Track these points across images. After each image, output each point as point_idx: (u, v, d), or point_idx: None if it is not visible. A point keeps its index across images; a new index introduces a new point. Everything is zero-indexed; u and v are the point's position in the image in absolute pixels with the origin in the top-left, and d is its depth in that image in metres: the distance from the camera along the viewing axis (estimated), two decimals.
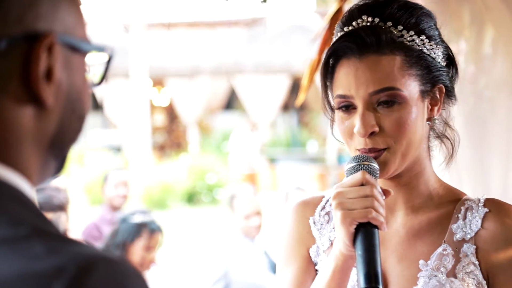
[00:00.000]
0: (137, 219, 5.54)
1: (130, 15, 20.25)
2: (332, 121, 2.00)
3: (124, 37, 21.88)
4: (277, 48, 21.87)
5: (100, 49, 1.24)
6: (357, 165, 1.85)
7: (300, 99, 3.46)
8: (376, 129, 1.88)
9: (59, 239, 1.09)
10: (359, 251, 1.78)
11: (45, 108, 1.17)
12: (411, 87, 1.90)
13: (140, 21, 20.31)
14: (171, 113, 25.61)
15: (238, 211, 6.66)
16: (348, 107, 1.91)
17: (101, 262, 1.06)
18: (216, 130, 24.12)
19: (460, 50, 3.44)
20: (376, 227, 1.79)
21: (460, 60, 3.47)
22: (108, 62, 1.25)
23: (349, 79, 1.89)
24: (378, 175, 1.87)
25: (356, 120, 1.89)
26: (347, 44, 1.89)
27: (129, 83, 20.98)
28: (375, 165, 1.87)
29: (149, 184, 18.48)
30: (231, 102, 25.28)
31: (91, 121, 25.69)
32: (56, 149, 1.21)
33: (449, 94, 1.99)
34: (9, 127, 1.15)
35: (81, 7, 1.23)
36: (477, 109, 3.40)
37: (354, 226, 1.79)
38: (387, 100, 1.88)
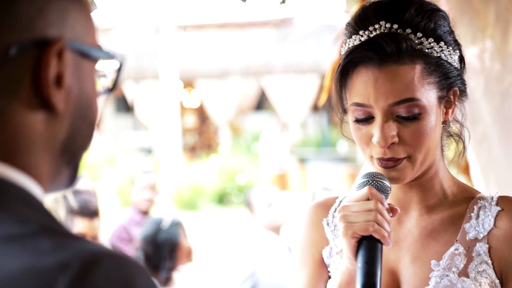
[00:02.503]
0: (167, 223, 5.60)
1: (160, 16, 20.32)
2: (342, 121, 1.98)
3: (154, 39, 21.97)
4: (307, 48, 21.83)
5: (111, 56, 1.26)
6: (367, 181, 1.86)
7: (322, 99, 3.46)
8: (396, 139, 1.86)
9: (65, 236, 1.11)
10: (359, 264, 1.78)
11: (56, 114, 1.19)
12: (430, 95, 1.88)
13: (170, 23, 20.37)
14: (201, 114, 25.66)
15: (258, 204, 6.64)
16: (366, 120, 1.89)
17: (106, 258, 1.07)
18: (247, 131, 24.11)
19: (485, 48, 3.42)
20: (380, 241, 1.80)
21: (485, 58, 3.44)
22: (119, 69, 1.27)
23: (368, 89, 1.86)
24: (389, 192, 1.88)
25: (375, 130, 1.87)
26: (367, 53, 1.85)
27: (160, 84, 21.05)
28: (386, 183, 1.87)
29: (179, 185, 18.51)
30: (261, 103, 25.27)
31: (122, 123, 25.79)
32: (68, 156, 1.23)
33: (462, 94, 1.98)
34: (20, 132, 1.17)
35: (91, 14, 1.26)
36: (503, 108, 3.37)
37: (356, 239, 1.80)
38: (407, 116, 1.86)
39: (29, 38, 1.17)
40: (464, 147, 2.02)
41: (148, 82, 22.44)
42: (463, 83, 1.97)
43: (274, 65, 22.22)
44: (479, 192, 2.01)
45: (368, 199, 1.82)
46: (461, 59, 1.99)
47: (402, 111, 1.86)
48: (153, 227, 5.67)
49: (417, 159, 1.88)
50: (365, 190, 1.83)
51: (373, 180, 1.86)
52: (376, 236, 1.79)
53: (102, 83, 1.28)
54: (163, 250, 5.50)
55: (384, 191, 1.86)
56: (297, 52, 21.98)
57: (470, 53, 3.39)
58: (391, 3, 1.93)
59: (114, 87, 1.29)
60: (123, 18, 19.22)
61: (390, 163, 1.88)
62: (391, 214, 1.84)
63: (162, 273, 5.35)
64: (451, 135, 2.01)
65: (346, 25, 1.96)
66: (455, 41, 1.96)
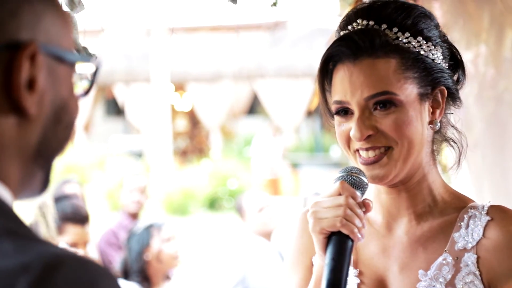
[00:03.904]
0: (142, 226, 5.60)
1: (152, 19, 20.29)
2: (330, 124, 1.99)
3: (145, 41, 21.94)
4: (300, 52, 21.81)
5: (87, 59, 1.26)
6: (342, 175, 1.86)
7: (314, 103, 3.45)
8: (371, 132, 1.86)
9: (29, 239, 1.11)
10: (326, 260, 1.79)
11: (28, 118, 1.17)
12: (408, 91, 1.87)
13: (161, 25, 20.34)
14: (193, 118, 25.65)
15: (249, 210, 6.64)
16: (346, 112, 1.90)
17: (69, 260, 1.08)
18: (239, 135, 24.13)
19: (479, 53, 3.39)
20: (350, 237, 1.79)
21: (479, 63, 3.41)
22: (95, 72, 1.27)
23: (344, 85, 1.88)
24: (365, 187, 1.87)
25: (352, 124, 1.88)
26: (340, 48, 1.88)
27: (151, 87, 21.03)
28: (363, 178, 1.86)
29: (170, 189, 18.51)
30: (253, 107, 25.27)
31: (112, 126, 25.75)
32: (42, 159, 1.22)
33: (453, 96, 1.96)
34: None
35: (68, 18, 1.26)
36: (497, 113, 3.36)
37: (324, 235, 1.80)
38: (383, 101, 1.86)
39: (0, 42, 1.16)
40: (461, 152, 2.00)
41: (139, 85, 22.40)
42: (454, 83, 1.96)
43: (267, 69, 22.20)
44: (473, 201, 1.98)
45: (340, 194, 1.82)
46: (456, 60, 1.98)
47: (378, 104, 1.86)
48: (129, 234, 5.72)
49: (399, 153, 1.87)
50: (336, 185, 1.84)
51: (348, 175, 1.85)
52: (344, 231, 1.78)
53: (83, 86, 1.27)
54: (132, 252, 5.53)
55: (360, 186, 1.85)
56: (290, 55, 21.96)
57: (464, 58, 3.36)
58: (372, 4, 1.95)
59: (89, 90, 1.28)
60: (114, 20, 19.18)
61: (370, 159, 1.88)
62: (364, 209, 1.83)
63: (133, 276, 5.35)
64: (446, 140, 1.99)
65: (335, 31, 1.99)
66: (442, 38, 1.95)
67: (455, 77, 1.98)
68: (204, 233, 15.32)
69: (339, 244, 1.79)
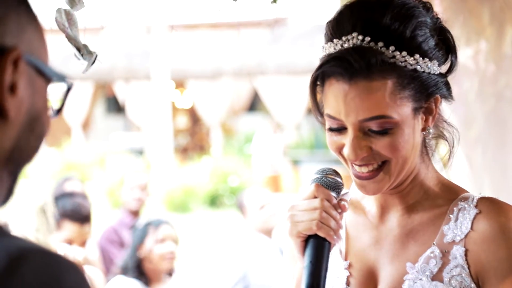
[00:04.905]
0: (143, 222, 5.62)
1: (152, 16, 20.28)
2: (324, 124, 1.95)
3: (145, 39, 21.93)
4: (300, 49, 21.79)
5: (62, 78, 1.28)
6: (317, 177, 1.88)
7: None
8: (366, 154, 1.85)
9: None
10: (304, 263, 1.82)
11: (7, 121, 1.20)
12: (404, 110, 1.84)
13: (161, 23, 20.33)
14: (193, 115, 25.63)
15: (250, 207, 6.63)
16: (339, 130, 1.88)
17: (35, 253, 1.09)
18: (239, 132, 24.10)
19: (479, 49, 3.39)
20: (327, 240, 1.83)
21: (479, 60, 3.40)
22: (67, 92, 1.29)
23: (338, 103, 1.84)
24: (341, 188, 1.89)
25: (346, 141, 1.86)
26: (336, 69, 1.82)
27: (151, 85, 21.01)
28: (339, 179, 1.89)
29: (171, 187, 18.50)
30: (254, 104, 25.24)
31: (113, 123, 25.74)
32: (13, 165, 1.24)
33: (446, 98, 1.94)
34: None
35: (46, 37, 1.30)
36: (497, 110, 3.36)
37: (302, 239, 1.84)
38: (379, 130, 1.83)
39: None
40: (453, 146, 1.99)
41: (139, 83, 22.40)
42: (448, 87, 1.93)
43: (267, 66, 22.18)
44: (465, 191, 1.97)
45: (315, 197, 1.85)
46: (449, 48, 1.93)
47: (373, 126, 1.83)
48: (135, 227, 5.72)
49: (394, 168, 1.86)
50: (311, 187, 1.87)
51: (323, 177, 1.88)
52: (320, 234, 1.82)
53: (56, 104, 1.30)
54: (129, 248, 5.55)
55: (335, 187, 1.88)
56: (290, 52, 21.93)
57: (465, 54, 3.36)
58: (367, 7, 1.87)
59: (61, 109, 1.30)
60: (114, 18, 19.19)
61: (365, 175, 1.87)
62: (339, 211, 1.86)
63: (130, 272, 5.34)
64: (439, 136, 1.98)
65: (326, 24, 1.93)
66: (438, 43, 1.90)
67: (447, 64, 1.94)
68: (205, 231, 15.32)
69: (317, 247, 1.82)
